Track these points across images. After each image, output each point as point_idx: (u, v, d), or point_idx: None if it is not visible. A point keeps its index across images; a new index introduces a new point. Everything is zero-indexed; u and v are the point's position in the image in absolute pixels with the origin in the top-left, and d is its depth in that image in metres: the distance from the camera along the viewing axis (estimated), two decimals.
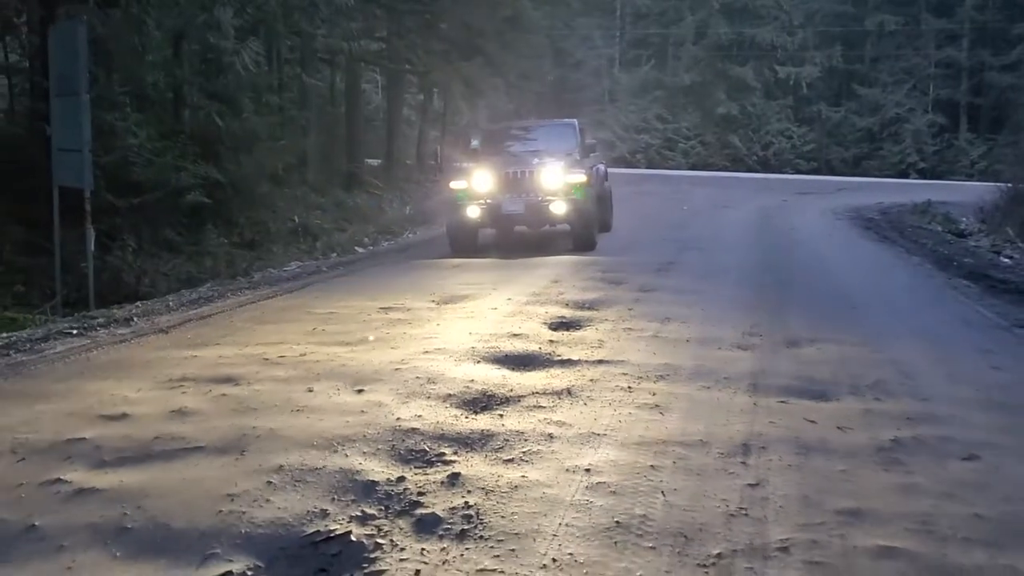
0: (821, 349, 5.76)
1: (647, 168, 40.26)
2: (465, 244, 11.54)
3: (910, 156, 36.65)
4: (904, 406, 4.52)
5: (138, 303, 8.26)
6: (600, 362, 5.35)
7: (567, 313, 6.95)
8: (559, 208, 11.11)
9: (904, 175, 35.53)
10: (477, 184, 11.32)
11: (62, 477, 3.45)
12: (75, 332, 6.65)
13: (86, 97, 8.74)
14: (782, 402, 4.53)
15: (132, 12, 10.58)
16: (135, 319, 7.20)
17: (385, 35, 21.26)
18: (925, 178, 34.42)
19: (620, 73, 42.98)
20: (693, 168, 39.05)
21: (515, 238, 12.23)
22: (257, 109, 14.44)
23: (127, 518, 3.05)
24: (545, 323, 6.52)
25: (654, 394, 4.65)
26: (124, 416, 4.26)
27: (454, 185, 11.59)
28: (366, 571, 2.70)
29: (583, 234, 11.35)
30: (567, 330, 6.32)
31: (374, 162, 22.90)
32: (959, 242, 12.92)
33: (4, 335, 6.56)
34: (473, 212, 11.30)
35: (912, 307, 7.65)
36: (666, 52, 42.14)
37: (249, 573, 2.67)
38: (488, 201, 11.25)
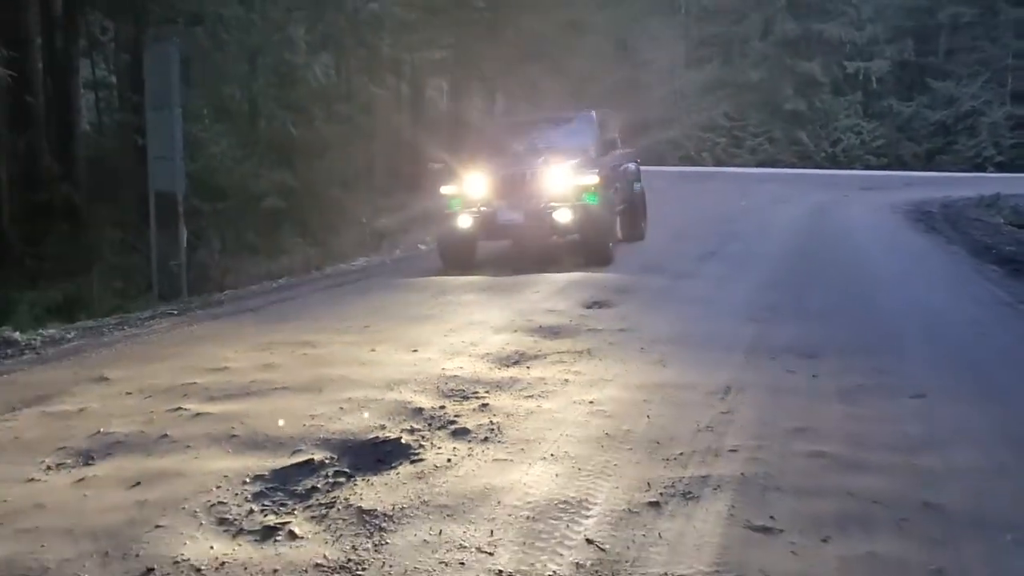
0: (825, 321, 6.59)
1: (714, 166, 40.74)
2: (457, 258, 10.08)
3: (986, 150, 36.36)
4: (879, 362, 5.35)
5: (227, 291, 9.46)
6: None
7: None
8: (564, 216, 9.55)
9: (980, 169, 35.27)
10: (470, 188, 9.86)
11: (182, 407, 4.55)
12: (175, 312, 7.87)
13: (178, 111, 10.00)
14: (772, 359, 5.41)
15: (214, 32, 11.85)
16: (225, 302, 8.40)
17: (450, 43, 22.45)
18: (1003, 172, 34.15)
19: (687, 71, 43.50)
20: (760, 165, 39.37)
21: (519, 251, 10.84)
22: (327, 118, 15.68)
23: (234, 430, 4.12)
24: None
25: (662, 354, 5.57)
26: (225, 368, 5.37)
27: (444, 190, 10.10)
28: (412, 459, 3.71)
29: (595, 247, 9.80)
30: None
31: (438, 166, 24.06)
32: (1015, 233, 13.32)
33: (117, 316, 7.79)
34: (464, 222, 9.81)
35: (927, 287, 8.35)
36: (732, 50, 42.55)
37: (326, 460, 3.69)
38: (482, 209, 9.76)
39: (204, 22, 12.07)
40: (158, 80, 10.51)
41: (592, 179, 9.77)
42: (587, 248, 9.88)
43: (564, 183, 9.70)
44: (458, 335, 6.18)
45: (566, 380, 4.94)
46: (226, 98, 14.62)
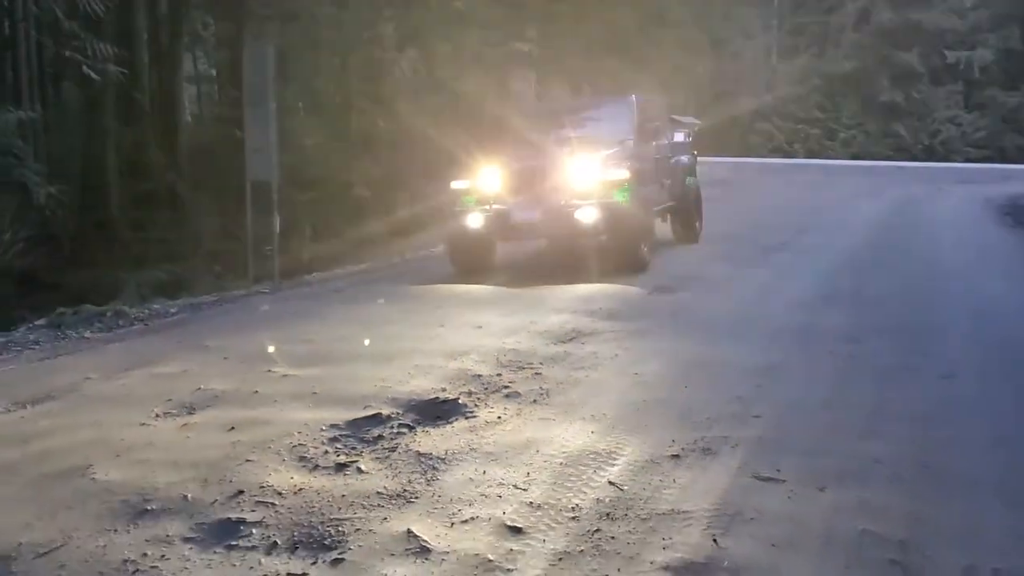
0: (878, 308, 6.87)
1: (806, 158, 40.22)
2: (469, 262, 9.05)
3: None
4: (921, 345, 5.66)
5: (315, 274, 10.19)
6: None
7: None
8: (588, 215, 8.41)
9: None
10: (484, 183, 8.83)
11: (271, 370, 5.18)
12: (267, 292, 8.61)
13: (273, 105, 10.76)
14: (817, 341, 5.77)
15: (309, 29, 12.61)
16: (313, 284, 9.11)
17: (534, 36, 22.93)
18: None
19: (778, 62, 43.01)
20: (854, 158, 38.65)
21: (545, 255, 9.93)
22: (414, 110, 16.34)
23: (315, 389, 4.71)
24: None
25: (711, 335, 5.97)
26: (309, 340, 6.00)
27: (455, 185, 9.10)
28: (466, 416, 4.23)
29: (625, 251, 8.65)
30: None
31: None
32: None
33: (215, 294, 8.57)
34: (475, 221, 8.73)
35: (989, 278, 8.46)
36: (826, 40, 41.85)
37: (392, 415, 4.23)
38: (495, 206, 8.71)
39: (299, 20, 12.84)
40: (255, 76, 11.28)
41: (622, 173, 8.66)
42: (616, 252, 8.64)
43: (589, 178, 8.62)
44: (521, 317, 6.67)
45: (616, 355, 5.40)
46: (319, 92, 15.41)
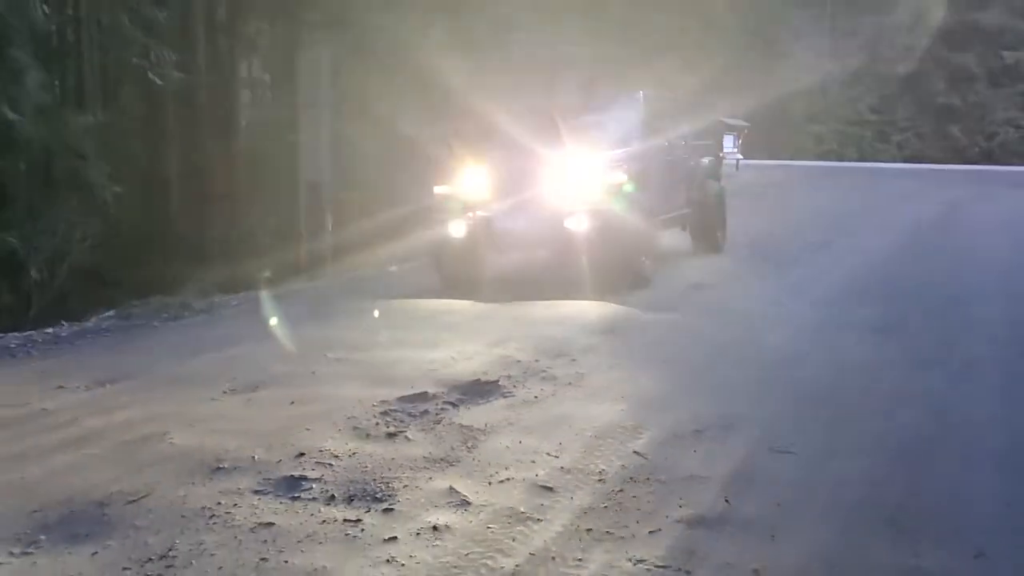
0: (907, 303, 7.12)
1: (858, 161, 40.01)
2: (455, 274, 8.28)
3: None
4: (944, 337, 5.92)
5: (364, 270, 10.68)
6: None
7: None
8: (579, 223, 7.67)
9: None
10: (468, 187, 8.16)
11: (327, 354, 5.61)
12: (321, 287, 9.12)
13: (327, 109, 11.29)
14: (843, 332, 6.07)
15: (361, 36, 13.12)
16: (364, 279, 9.62)
17: (582, 41, 23.30)
18: None
19: (830, 64, 42.76)
20: (908, 161, 38.36)
21: (540, 266, 8.82)
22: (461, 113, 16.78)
23: (367, 371, 5.13)
24: None
25: (744, 327, 6.30)
26: (360, 328, 6.44)
27: (438, 190, 8.36)
28: (505, 395, 4.62)
29: (622, 264, 7.89)
30: None
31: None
32: None
33: (270, 288, 9.09)
34: (457, 230, 8.03)
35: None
36: (879, 41, 41.54)
37: (438, 394, 4.63)
38: (478, 213, 8.04)
39: (351, 27, 13.33)
40: (310, 80, 11.84)
41: (618, 177, 7.95)
42: (612, 266, 7.77)
43: (581, 182, 7.89)
44: (567, 305, 7.03)
45: (651, 345, 5.75)
46: (370, 97, 15.92)
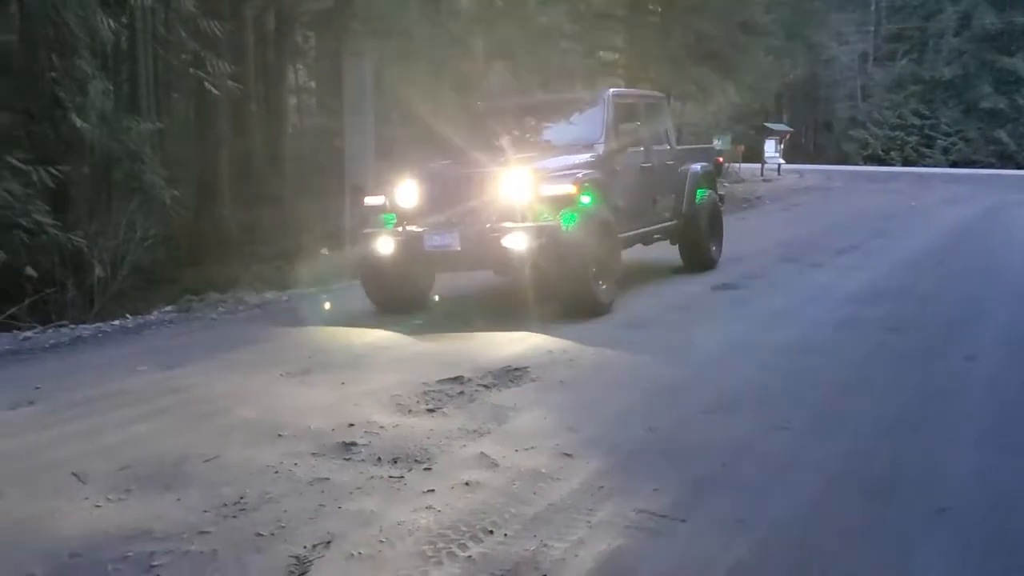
0: (925, 303, 7.48)
1: (903, 166, 39.97)
2: (385, 295, 7.52)
3: None
4: (954, 334, 6.30)
5: None
6: None
7: None
8: (517, 242, 6.75)
9: None
10: (402, 199, 7.34)
11: (374, 343, 6.16)
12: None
13: (370, 115, 11.90)
14: (857, 329, 6.45)
15: (404, 44, 13.70)
16: None
17: (620, 47, 23.79)
18: None
19: (874, 68, 42.76)
20: (954, 165, 38.29)
21: (497, 287, 8.42)
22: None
23: (411, 357, 5.67)
24: None
25: (762, 323, 6.74)
26: (401, 322, 6.98)
27: (370, 201, 7.65)
28: (535, 380, 5.12)
29: (572, 289, 6.92)
30: None
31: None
32: None
33: (319, 287, 9.67)
34: (385, 246, 7.18)
35: None
36: (925, 45, 41.46)
37: (473, 378, 5.14)
38: (408, 228, 7.18)
39: (395, 36, 13.93)
40: (354, 88, 12.47)
41: (566, 188, 7.01)
42: (559, 290, 6.99)
43: (523, 193, 6.93)
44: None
45: (669, 339, 6.23)
46: (412, 103, 16.54)
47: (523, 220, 6.87)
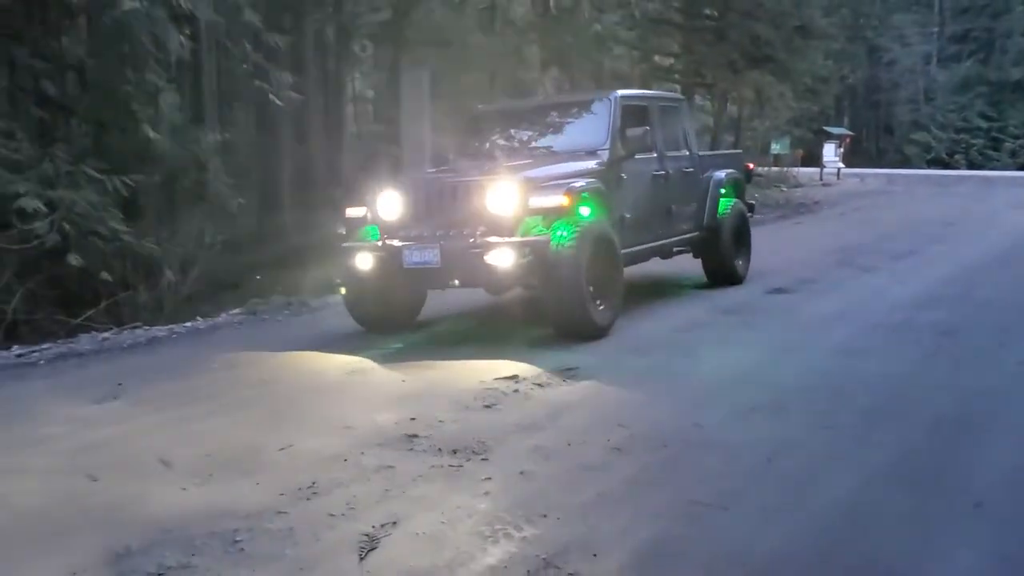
0: (981, 309, 7.55)
1: (968, 169, 39.31)
2: (369, 313, 7.16)
3: None
4: (1007, 338, 6.38)
5: None
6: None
7: None
8: (501, 258, 6.28)
9: None
10: (384, 210, 6.95)
11: (432, 343, 6.46)
12: None
13: (427, 124, 12.27)
14: (909, 332, 6.57)
15: (460, 54, 14.10)
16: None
17: (676, 51, 23.94)
18: None
19: (938, 70, 42.15)
20: (1021, 168, 37.54)
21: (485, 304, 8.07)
22: None
23: (467, 356, 5.97)
24: None
25: (814, 326, 6.90)
26: (455, 324, 7.28)
27: (351, 212, 7.34)
28: (590, 378, 5.36)
29: (564, 309, 6.42)
30: None
31: None
32: None
33: None
34: (364, 262, 6.78)
35: None
36: (992, 46, 40.75)
37: (527, 377, 5.40)
38: (389, 243, 6.73)
39: (451, 45, 14.33)
40: (411, 96, 12.87)
41: (556, 200, 6.53)
42: (552, 311, 6.53)
43: (510, 205, 6.50)
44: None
45: (721, 342, 6.43)
46: (468, 110, 16.92)
47: (510, 234, 6.39)
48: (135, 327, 8.13)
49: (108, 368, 6.43)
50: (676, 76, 24.46)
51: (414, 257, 6.53)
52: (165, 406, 5.16)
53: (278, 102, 11.74)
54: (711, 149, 24.73)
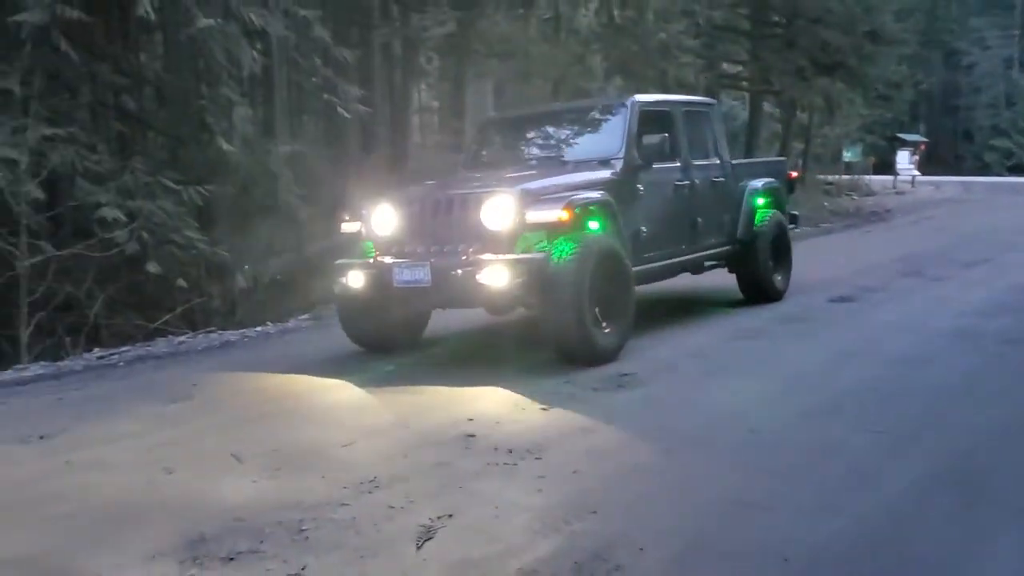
0: None
1: None
2: (362, 331, 6.89)
3: None
4: None
5: None
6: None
7: None
8: (497, 277, 5.86)
9: None
10: (378, 225, 6.65)
11: (489, 352, 6.65)
12: None
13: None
14: (972, 340, 6.55)
15: (524, 65, 14.33)
16: None
17: (743, 59, 23.82)
18: None
19: (1019, 74, 41.09)
20: None
21: (485, 323, 7.82)
22: None
23: (512, 367, 6.14)
24: None
25: (878, 333, 6.92)
26: (504, 330, 7.47)
27: (346, 227, 7.08)
28: (640, 387, 5.49)
29: (563, 332, 5.99)
30: None
31: None
32: None
33: None
34: (356, 280, 6.47)
35: None
36: None
37: (571, 387, 5.54)
38: (380, 260, 6.45)
39: (515, 56, 14.56)
40: (475, 107, 13.12)
41: (555, 213, 6.10)
42: (546, 333, 6.16)
43: (503, 220, 6.11)
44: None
45: (778, 349, 6.50)
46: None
47: (506, 251, 6.00)
48: (209, 331, 8.51)
49: (183, 370, 6.77)
50: (743, 84, 24.33)
51: (404, 275, 6.19)
52: (235, 405, 5.46)
53: (346, 114, 12.08)
54: (779, 156, 24.28)
